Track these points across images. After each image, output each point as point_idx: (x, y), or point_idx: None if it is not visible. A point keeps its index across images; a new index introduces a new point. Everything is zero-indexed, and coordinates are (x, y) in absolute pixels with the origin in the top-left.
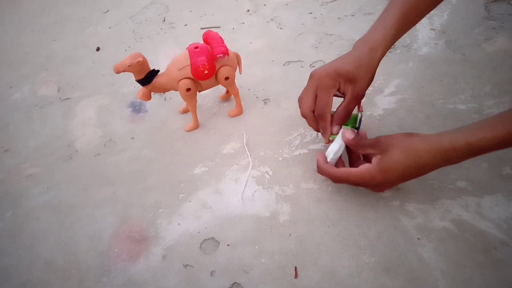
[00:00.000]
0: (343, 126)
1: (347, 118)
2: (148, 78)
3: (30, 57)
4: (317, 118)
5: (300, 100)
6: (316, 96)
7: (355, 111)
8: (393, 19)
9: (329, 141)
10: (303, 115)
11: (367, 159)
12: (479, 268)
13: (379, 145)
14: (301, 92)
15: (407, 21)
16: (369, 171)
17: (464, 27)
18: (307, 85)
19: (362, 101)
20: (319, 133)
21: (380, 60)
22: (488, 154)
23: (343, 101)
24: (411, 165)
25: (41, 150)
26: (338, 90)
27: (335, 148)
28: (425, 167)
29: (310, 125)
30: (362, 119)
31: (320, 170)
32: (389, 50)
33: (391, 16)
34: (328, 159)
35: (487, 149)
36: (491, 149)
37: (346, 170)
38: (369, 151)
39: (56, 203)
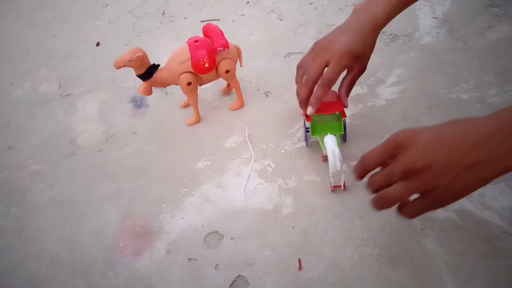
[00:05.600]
0: (328, 135)
1: (351, 88)
2: (148, 73)
3: (30, 53)
4: (318, 86)
5: (302, 66)
6: (324, 68)
7: (335, 119)
8: None
9: (309, 116)
10: (307, 83)
11: None
12: (482, 258)
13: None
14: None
15: None
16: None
17: (466, 15)
18: (316, 56)
19: (364, 92)
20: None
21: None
22: None
23: (348, 75)
24: (439, 129)
25: (44, 146)
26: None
27: (334, 155)
28: (452, 133)
29: (303, 93)
30: (346, 124)
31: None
32: (391, 40)
33: None
34: (334, 169)
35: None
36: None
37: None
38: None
39: (60, 199)
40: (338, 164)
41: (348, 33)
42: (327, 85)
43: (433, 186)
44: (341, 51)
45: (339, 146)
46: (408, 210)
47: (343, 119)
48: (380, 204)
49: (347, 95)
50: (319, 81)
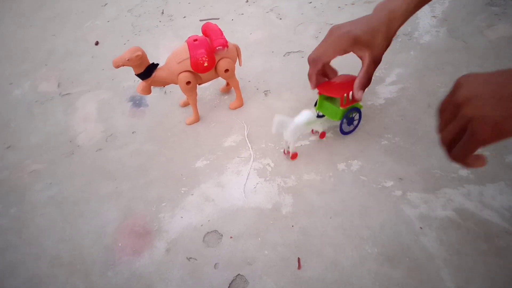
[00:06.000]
0: (306, 110)
1: (369, 81)
2: (147, 72)
3: (30, 53)
4: (310, 63)
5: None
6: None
7: (337, 105)
8: None
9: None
10: (308, 61)
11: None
12: (481, 257)
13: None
14: (301, 83)
15: None
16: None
17: (466, 14)
18: (326, 37)
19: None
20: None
21: (398, 29)
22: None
23: (362, 66)
24: (491, 72)
25: (43, 146)
26: (356, 54)
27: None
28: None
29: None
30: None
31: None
32: None
33: None
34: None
35: None
36: None
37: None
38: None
39: (60, 199)
40: (275, 127)
41: (358, 22)
42: (312, 61)
43: (471, 117)
44: (342, 34)
45: (310, 123)
46: (453, 153)
47: (341, 108)
48: (441, 145)
49: (361, 88)
50: (311, 59)
